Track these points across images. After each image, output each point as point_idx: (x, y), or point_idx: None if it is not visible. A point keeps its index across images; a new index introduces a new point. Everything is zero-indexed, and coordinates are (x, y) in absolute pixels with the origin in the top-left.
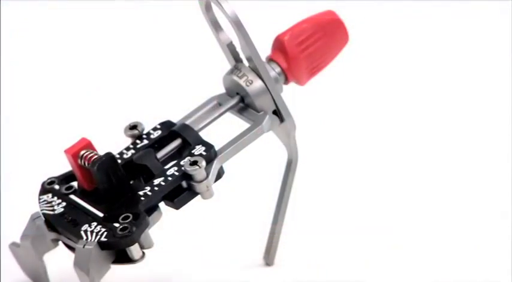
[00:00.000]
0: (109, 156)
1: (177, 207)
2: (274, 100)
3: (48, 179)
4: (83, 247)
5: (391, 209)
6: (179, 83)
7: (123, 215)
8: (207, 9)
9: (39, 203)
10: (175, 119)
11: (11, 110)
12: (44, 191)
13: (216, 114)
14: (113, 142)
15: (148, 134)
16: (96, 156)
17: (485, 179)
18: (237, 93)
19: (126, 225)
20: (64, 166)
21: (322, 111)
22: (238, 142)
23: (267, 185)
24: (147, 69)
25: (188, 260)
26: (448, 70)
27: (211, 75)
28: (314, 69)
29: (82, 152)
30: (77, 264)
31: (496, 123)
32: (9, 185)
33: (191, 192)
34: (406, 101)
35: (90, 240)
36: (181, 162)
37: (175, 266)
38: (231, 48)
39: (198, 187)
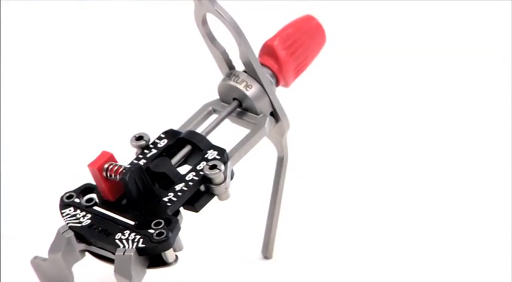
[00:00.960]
0: (138, 166)
1: (197, 210)
2: (271, 102)
3: (66, 193)
4: (123, 254)
5: (387, 203)
6: (164, 91)
7: (155, 221)
8: (203, 23)
9: (63, 217)
10: (166, 127)
11: (7, 113)
12: (64, 205)
13: (218, 120)
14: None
15: (154, 143)
16: (122, 168)
17: (485, 179)
18: (234, 99)
19: (161, 230)
20: (61, 172)
21: (309, 109)
22: (245, 144)
23: (264, 181)
24: (134, 80)
25: (188, 254)
26: (434, 69)
27: (198, 83)
28: (299, 71)
29: (106, 165)
30: (118, 271)
31: (495, 124)
32: (8, 193)
33: (209, 195)
34: (386, 96)
35: (128, 247)
36: (198, 167)
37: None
38: (225, 56)
39: (217, 189)
